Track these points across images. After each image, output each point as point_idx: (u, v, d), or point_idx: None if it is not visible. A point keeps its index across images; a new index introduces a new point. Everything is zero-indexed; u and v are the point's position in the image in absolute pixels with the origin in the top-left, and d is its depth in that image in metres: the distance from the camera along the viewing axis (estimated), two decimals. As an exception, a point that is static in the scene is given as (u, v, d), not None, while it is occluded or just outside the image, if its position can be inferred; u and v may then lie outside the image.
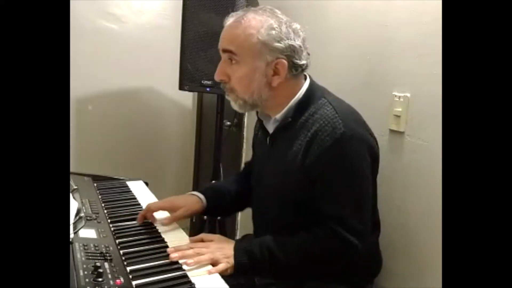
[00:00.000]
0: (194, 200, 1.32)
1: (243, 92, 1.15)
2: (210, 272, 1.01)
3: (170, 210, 1.30)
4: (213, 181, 2.05)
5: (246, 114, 2.33)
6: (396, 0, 1.33)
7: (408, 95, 1.29)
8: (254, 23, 1.12)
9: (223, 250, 1.10)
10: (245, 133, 2.35)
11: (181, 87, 1.93)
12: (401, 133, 1.32)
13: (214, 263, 1.05)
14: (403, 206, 1.31)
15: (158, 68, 2.54)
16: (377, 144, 1.18)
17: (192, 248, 1.08)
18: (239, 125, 2.35)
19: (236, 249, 1.10)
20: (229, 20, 1.17)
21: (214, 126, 2.08)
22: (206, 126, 2.68)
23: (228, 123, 2.25)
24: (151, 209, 1.27)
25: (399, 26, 1.33)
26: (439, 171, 1.15)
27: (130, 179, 1.68)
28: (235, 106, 1.20)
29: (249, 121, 2.32)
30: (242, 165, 2.33)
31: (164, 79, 2.52)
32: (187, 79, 1.90)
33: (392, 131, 1.35)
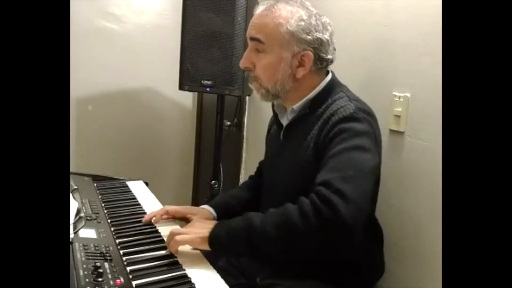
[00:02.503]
0: (206, 211, 1.32)
1: (267, 81, 1.16)
2: (175, 240, 1.03)
3: (184, 216, 1.30)
4: (213, 181, 2.06)
5: (246, 114, 2.33)
6: (396, 0, 1.33)
7: (408, 95, 1.29)
8: (285, 13, 1.12)
9: (200, 227, 1.07)
10: (245, 133, 2.35)
11: (181, 87, 1.93)
12: (401, 133, 1.32)
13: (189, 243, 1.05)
14: (402, 206, 1.31)
15: (158, 68, 2.54)
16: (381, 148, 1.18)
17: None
18: (239, 125, 2.35)
19: (216, 223, 1.07)
20: (259, 9, 1.17)
21: (214, 126, 2.08)
22: (206, 126, 2.68)
23: (228, 123, 2.25)
24: (169, 211, 1.28)
25: (399, 26, 1.33)
26: (439, 171, 1.15)
27: (130, 179, 1.68)
28: (257, 95, 1.21)
29: (249, 121, 2.33)
30: (242, 165, 2.34)
31: (164, 79, 2.52)
32: (187, 79, 1.90)
33: (392, 131, 1.35)
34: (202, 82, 1.87)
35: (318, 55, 1.15)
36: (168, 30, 2.49)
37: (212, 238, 1.02)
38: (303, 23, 1.12)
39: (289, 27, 1.11)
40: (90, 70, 2.42)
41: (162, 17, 2.55)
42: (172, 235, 1.06)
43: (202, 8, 1.84)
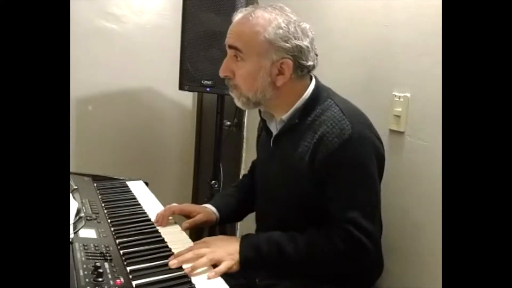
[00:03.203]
0: (210, 211, 1.34)
1: (246, 90, 1.15)
2: (209, 277, 0.98)
3: (189, 213, 1.31)
4: (213, 181, 2.05)
5: (246, 114, 2.33)
6: (396, 0, 1.33)
7: (408, 95, 1.29)
8: (262, 21, 1.11)
9: (226, 247, 1.07)
10: (245, 133, 2.35)
11: (181, 87, 1.93)
12: (401, 133, 1.32)
13: (216, 263, 1.02)
14: (403, 206, 1.31)
15: (158, 68, 2.54)
16: (382, 145, 1.18)
17: (191, 250, 1.05)
18: (239, 125, 2.35)
19: (242, 244, 1.08)
20: (238, 16, 1.16)
21: (214, 126, 2.08)
22: (206, 126, 2.68)
23: (228, 123, 2.25)
24: (172, 209, 1.29)
25: (399, 26, 1.33)
26: (439, 171, 1.15)
27: (130, 179, 1.68)
28: (238, 103, 1.19)
29: (249, 121, 2.32)
30: (242, 165, 2.34)
31: (164, 79, 2.52)
32: (187, 79, 1.90)
33: (392, 131, 1.35)
34: (202, 82, 1.87)
35: (298, 62, 1.12)
36: (168, 30, 2.49)
37: (244, 261, 1.06)
38: (281, 30, 1.10)
39: (266, 36, 1.10)
40: (90, 70, 2.41)
41: (162, 17, 2.54)
42: (209, 260, 1.03)
43: (202, 8, 1.84)
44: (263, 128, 1.31)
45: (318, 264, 1.10)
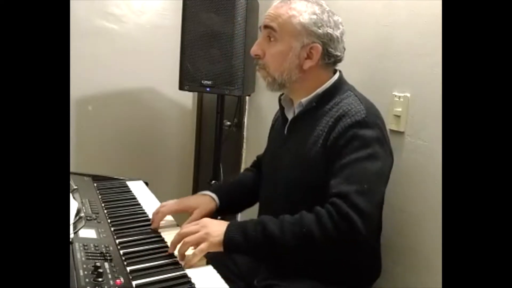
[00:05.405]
0: (207, 200, 1.31)
1: (274, 69, 1.19)
2: (187, 262, 1.01)
3: (183, 211, 1.29)
4: (213, 181, 2.06)
5: (246, 114, 2.33)
6: (396, 0, 1.33)
7: (408, 95, 1.29)
8: (299, 6, 1.17)
9: (212, 227, 1.07)
10: (245, 133, 2.35)
11: (181, 87, 1.93)
12: (401, 133, 1.32)
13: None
14: (403, 206, 1.31)
15: (158, 68, 2.54)
16: (390, 146, 1.19)
17: (185, 236, 1.05)
18: (239, 125, 2.35)
19: (228, 226, 1.07)
20: (276, 1, 1.21)
21: (214, 126, 2.08)
22: (206, 126, 2.68)
23: (228, 123, 2.25)
24: (164, 212, 1.25)
25: (399, 26, 1.33)
26: (439, 171, 1.15)
27: (130, 179, 1.68)
28: (263, 83, 1.24)
29: (249, 121, 2.33)
30: (242, 165, 2.34)
31: (164, 79, 2.52)
32: (187, 79, 1.90)
33: (392, 131, 1.35)
34: (202, 82, 1.87)
35: (327, 49, 1.18)
36: (168, 30, 2.49)
37: (228, 241, 1.05)
38: (315, 16, 1.16)
39: (301, 19, 1.16)
40: (90, 70, 2.41)
41: (162, 17, 2.54)
42: (185, 244, 1.04)
43: (202, 8, 1.84)
44: (280, 115, 1.32)
45: (304, 244, 1.04)
